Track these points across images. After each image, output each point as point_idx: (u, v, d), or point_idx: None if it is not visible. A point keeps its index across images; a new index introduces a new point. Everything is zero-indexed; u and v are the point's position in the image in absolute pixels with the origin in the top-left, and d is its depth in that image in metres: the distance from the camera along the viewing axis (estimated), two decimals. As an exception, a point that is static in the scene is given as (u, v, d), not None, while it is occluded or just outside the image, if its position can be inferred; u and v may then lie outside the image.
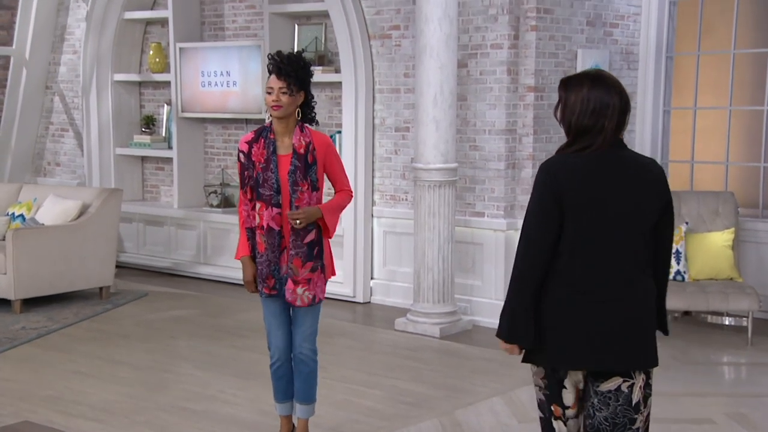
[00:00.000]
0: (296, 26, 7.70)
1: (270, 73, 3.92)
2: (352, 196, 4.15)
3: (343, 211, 4.23)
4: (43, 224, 7.18)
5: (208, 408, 4.80)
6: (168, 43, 8.39)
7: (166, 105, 8.71)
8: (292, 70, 3.87)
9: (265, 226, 3.92)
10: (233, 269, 7.78)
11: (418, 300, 6.40)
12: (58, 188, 7.88)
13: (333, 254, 4.17)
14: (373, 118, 7.22)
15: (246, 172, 3.97)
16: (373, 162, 7.23)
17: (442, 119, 6.22)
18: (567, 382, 2.90)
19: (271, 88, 3.88)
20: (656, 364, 2.87)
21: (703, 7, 7.17)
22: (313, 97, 4.03)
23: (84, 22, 8.86)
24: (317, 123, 4.10)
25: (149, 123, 8.80)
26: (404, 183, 7.12)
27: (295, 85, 3.88)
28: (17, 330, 6.34)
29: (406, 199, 7.11)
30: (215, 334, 6.32)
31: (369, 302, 7.29)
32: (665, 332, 3.00)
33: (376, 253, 7.29)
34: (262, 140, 3.95)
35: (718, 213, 6.55)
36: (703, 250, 6.35)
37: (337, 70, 7.34)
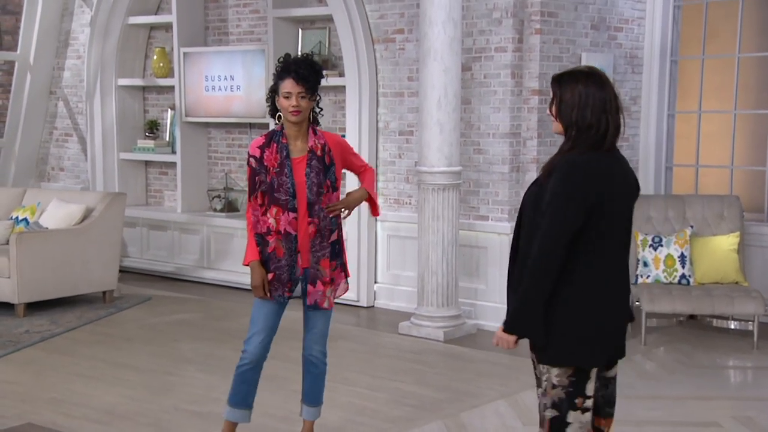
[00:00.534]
0: (300, 30, 7.71)
1: (280, 77, 3.89)
2: (374, 170, 4.25)
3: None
4: (46, 228, 7.17)
5: (212, 410, 4.78)
6: (172, 47, 8.41)
7: (169, 109, 8.72)
8: (310, 75, 3.87)
9: (283, 231, 3.91)
10: (237, 274, 7.77)
11: (422, 304, 6.38)
12: (62, 192, 7.88)
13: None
14: (377, 121, 7.21)
15: (258, 177, 3.94)
16: (377, 166, 7.22)
17: (447, 122, 6.21)
18: (593, 373, 2.99)
19: (289, 92, 3.85)
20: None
21: (707, 11, 7.17)
22: (320, 98, 4.03)
23: (88, 27, 8.88)
24: (318, 123, 4.09)
25: (153, 128, 8.81)
26: (408, 187, 7.11)
27: (312, 89, 3.89)
28: (21, 333, 6.33)
29: (410, 203, 7.10)
30: (219, 337, 6.31)
31: (373, 306, 7.28)
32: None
33: (380, 257, 7.27)
34: (275, 144, 3.93)
35: (724, 217, 6.53)
36: (708, 253, 6.33)
37: (341, 74, 7.35)
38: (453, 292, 6.36)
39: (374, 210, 4.22)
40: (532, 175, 6.51)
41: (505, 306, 3.13)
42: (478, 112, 6.65)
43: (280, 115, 3.95)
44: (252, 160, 3.96)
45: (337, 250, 4.00)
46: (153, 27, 8.81)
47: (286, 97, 3.86)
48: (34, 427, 4.55)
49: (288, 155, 3.91)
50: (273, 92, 3.95)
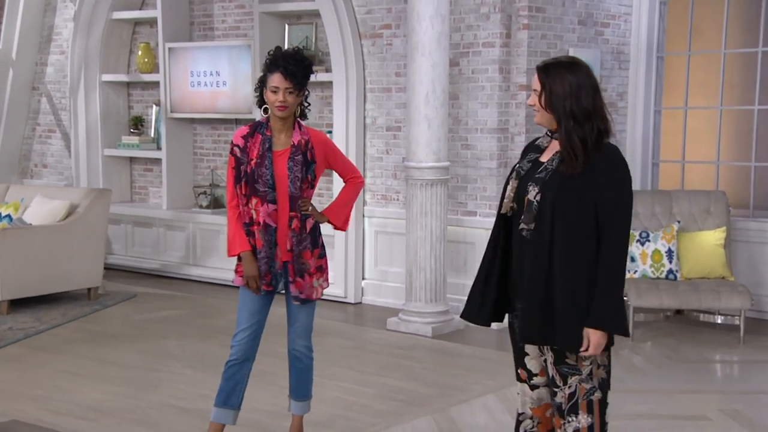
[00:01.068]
0: (287, 26, 7.67)
1: (269, 69, 3.85)
2: (362, 183, 4.15)
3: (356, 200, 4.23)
4: (30, 224, 7.10)
5: (198, 406, 4.74)
6: (157, 43, 8.35)
7: (154, 105, 8.66)
8: (298, 71, 3.83)
9: (262, 222, 3.87)
10: (223, 270, 7.73)
11: (410, 299, 6.36)
12: (46, 188, 7.81)
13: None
14: (365, 117, 7.19)
15: (241, 167, 3.91)
16: (364, 162, 7.20)
17: (434, 117, 6.19)
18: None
19: (277, 87, 3.81)
20: None
21: (693, 8, 7.19)
22: (309, 93, 4.00)
23: (71, 22, 8.80)
24: (305, 118, 4.06)
25: (138, 124, 8.74)
26: (395, 183, 7.09)
27: (300, 85, 3.85)
28: (4, 330, 6.26)
29: (398, 199, 7.08)
30: (205, 334, 6.27)
31: (360, 303, 7.25)
32: None
33: (368, 253, 7.25)
34: (258, 135, 3.91)
35: (710, 212, 6.55)
36: (695, 248, 6.35)
37: (328, 70, 7.31)
38: (441, 287, 6.35)
39: (337, 227, 4.11)
40: (519, 171, 6.50)
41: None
42: (466, 107, 6.64)
43: (266, 107, 3.92)
44: (236, 149, 3.92)
45: (315, 237, 3.95)
46: (137, 22, 8.75)
47: (274, 92, 3.83)
48: (19, 424, 4.50)
49: (270, 147, 3.88)
50: (261, 83, 3.91)
